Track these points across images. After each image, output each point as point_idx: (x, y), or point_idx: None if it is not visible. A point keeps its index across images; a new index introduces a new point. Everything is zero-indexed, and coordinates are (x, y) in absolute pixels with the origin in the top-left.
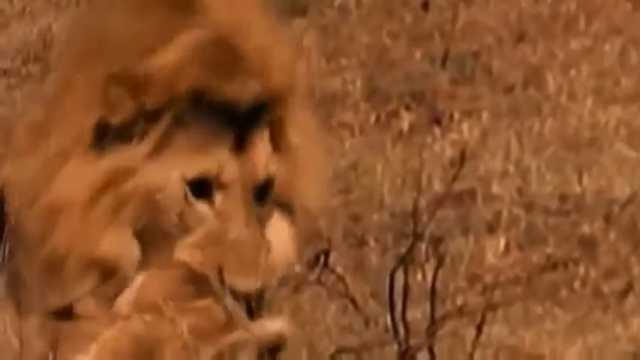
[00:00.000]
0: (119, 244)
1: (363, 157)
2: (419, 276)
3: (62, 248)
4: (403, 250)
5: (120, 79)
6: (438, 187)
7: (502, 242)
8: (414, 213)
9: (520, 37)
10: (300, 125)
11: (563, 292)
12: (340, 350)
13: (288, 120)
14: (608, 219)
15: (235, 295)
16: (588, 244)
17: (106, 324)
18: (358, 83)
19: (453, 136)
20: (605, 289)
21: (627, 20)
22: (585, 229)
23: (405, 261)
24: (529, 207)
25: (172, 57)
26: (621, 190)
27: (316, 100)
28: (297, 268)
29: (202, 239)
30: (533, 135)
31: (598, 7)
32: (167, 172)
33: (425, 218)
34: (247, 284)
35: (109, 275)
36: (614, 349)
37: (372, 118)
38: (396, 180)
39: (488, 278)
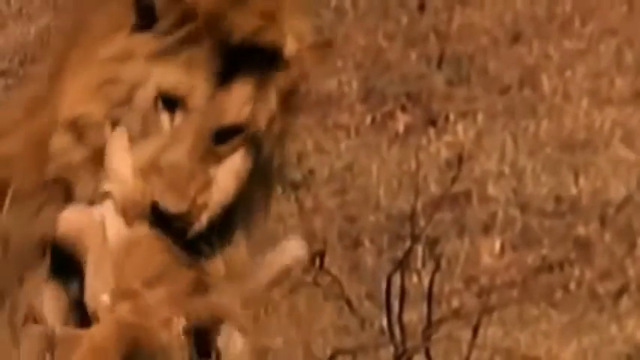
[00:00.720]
0: (92, 112)
1: (358, 159)
2: (415, 278)
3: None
4: (399, 252)
5: None
6: (434, 188)
7: (497, 243)
8: (412, 215)
9: (515, 38)
10: None
11: (559, 294)
12: (336, 352)
13: None
14: (603, 220)
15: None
16: (583, 246)
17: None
18: (354, 84)
19: (449, 137)
20: (601, 290)
21: (622, 21)
22: (581, 230)
23: (402, 264)
24: (524, 208)
25: None
26: (616, 192)
27: (312, 102)
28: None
29: (145, 164)
30: (529, 136)
31: (593, 8)
32: (151, 74)
33: (422, 220)
34: (173, 206)
35: (81, 137)
36: (609, 350)
37: (368, 120)
38: (391, 182)
39: (484, 280)
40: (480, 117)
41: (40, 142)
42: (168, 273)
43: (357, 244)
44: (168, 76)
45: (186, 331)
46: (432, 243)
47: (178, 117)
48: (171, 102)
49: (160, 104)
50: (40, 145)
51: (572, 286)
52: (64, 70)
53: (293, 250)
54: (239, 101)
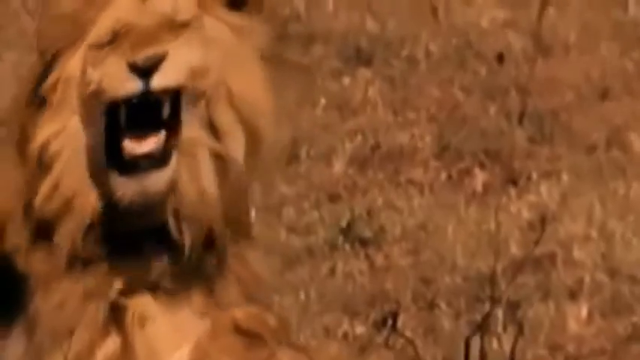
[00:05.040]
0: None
1: (433, 217)
2: (495, 343)
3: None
4: (477, 315)
5: None
6: (514, 250)
7: (585, 310)
8: (492, 278)
9: (603, 94)
10: None
11: None
12: None
13: None
14: None
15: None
16: None
17: None
18: (427, 138)
19: (531, 197)
20: None
21: None
22: None
23: (482, 327)
24: (613, 274)
25: None
26: None
27: (383, 155)
28: (363, 329)
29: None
30: (618, 198)
31: None
32: None
33: (502, 283)
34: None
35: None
36: None
37: (443, 176)
38: (469, 242)
39: (571, 348)
40: (564, 177)
41: None
42: None
43: (432, 305)
44: None
45: None
46: (514, 307)
47: None
48: None
49: None
50: None
51: None
52: None
53: None
54: None
